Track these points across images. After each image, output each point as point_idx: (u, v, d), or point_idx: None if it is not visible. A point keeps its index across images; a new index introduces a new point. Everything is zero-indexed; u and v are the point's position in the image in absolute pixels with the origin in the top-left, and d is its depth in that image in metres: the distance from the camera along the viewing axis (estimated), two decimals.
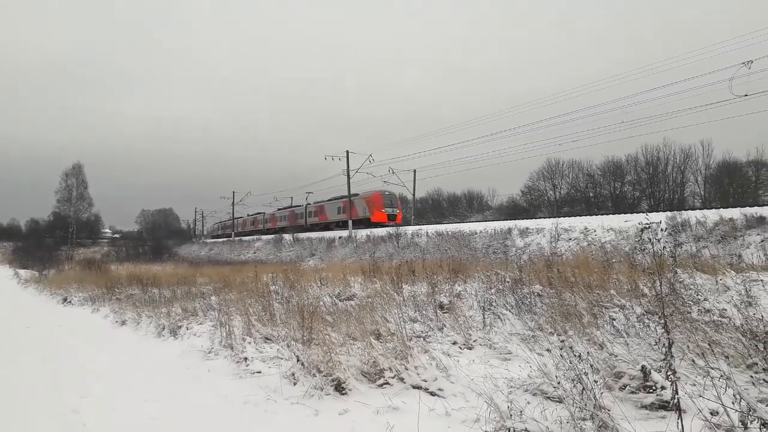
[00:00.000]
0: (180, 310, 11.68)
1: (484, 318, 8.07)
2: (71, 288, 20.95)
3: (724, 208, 21.14)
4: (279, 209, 64.42)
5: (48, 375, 7.49)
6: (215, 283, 16.86)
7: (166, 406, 5.76)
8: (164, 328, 10.54)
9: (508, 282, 10.35)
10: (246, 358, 7.33)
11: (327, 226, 50.02)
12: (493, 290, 9.92)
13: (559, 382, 4.17)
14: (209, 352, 8.20)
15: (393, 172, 45.76)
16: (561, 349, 4.38)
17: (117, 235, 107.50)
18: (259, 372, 6.78)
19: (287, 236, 47.00)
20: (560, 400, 4.23)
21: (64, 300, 18.85)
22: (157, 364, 8.00)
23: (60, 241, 63.29)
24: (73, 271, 30.78)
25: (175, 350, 8.81)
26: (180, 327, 10.31)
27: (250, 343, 7.99)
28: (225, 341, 8.34)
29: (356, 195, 44.97)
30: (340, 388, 5.59)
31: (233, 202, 70.84)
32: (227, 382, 6.59)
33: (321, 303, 10.10)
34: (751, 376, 3.86)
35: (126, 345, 9.91)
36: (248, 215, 74.50)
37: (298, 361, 6.27)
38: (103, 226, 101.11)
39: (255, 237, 59.04)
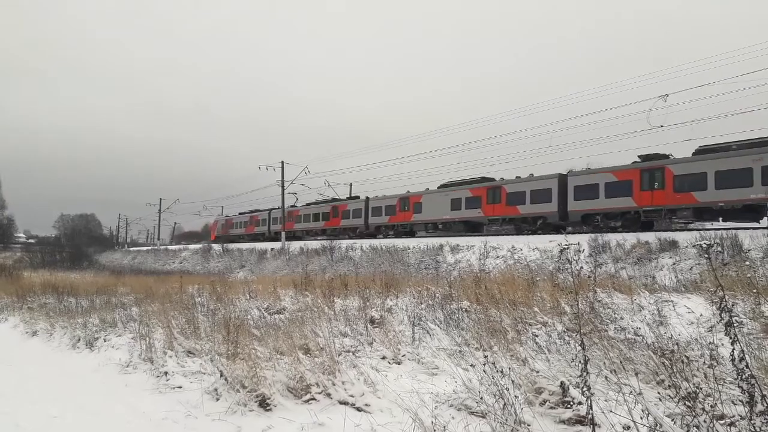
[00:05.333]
0: (98, 321, 11.11)
1: (413, 333, 8.13)
2: None
3: (641, 231, 22.37)
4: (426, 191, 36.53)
5: None
6: (137, 294, 16.15)
7: (77, 422, 5.44)
8: (80, 339, 9.97)
9: (437, 297, 10.50)
10: (166, 372, 7.06)
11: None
12: (423, 305, 10.02)
13: (481, 398, 4.25)
14: (127, 366, 7.84)
15: (329, 185, 45.36)
16: (485, 364, 4.47)
17: (32, 241, 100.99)
18: (180, 387, 6.54)
19: (216, 246, 45.70)
20: (483, 416, 4.31)
21: None
22: (69, 378, 7.58)
23: None
24: None
25: (90, 363, 8.38)
26: (97, 339, 9.80)
27: (171, 356, 7.70)
28: (145, 354, 8.00)
29: None
30: (264, 404, 5.46)
31: (160, 209, 69.13)
32: (146, 397, 6.31)
33: (248, 316, 9.84)
34: (659, 393, 4.07)
35: (36, 357, 9.32)
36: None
37: (221, 375, 6.08)
38: (17, 230, 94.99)
39: (182, 246, 56.96)
